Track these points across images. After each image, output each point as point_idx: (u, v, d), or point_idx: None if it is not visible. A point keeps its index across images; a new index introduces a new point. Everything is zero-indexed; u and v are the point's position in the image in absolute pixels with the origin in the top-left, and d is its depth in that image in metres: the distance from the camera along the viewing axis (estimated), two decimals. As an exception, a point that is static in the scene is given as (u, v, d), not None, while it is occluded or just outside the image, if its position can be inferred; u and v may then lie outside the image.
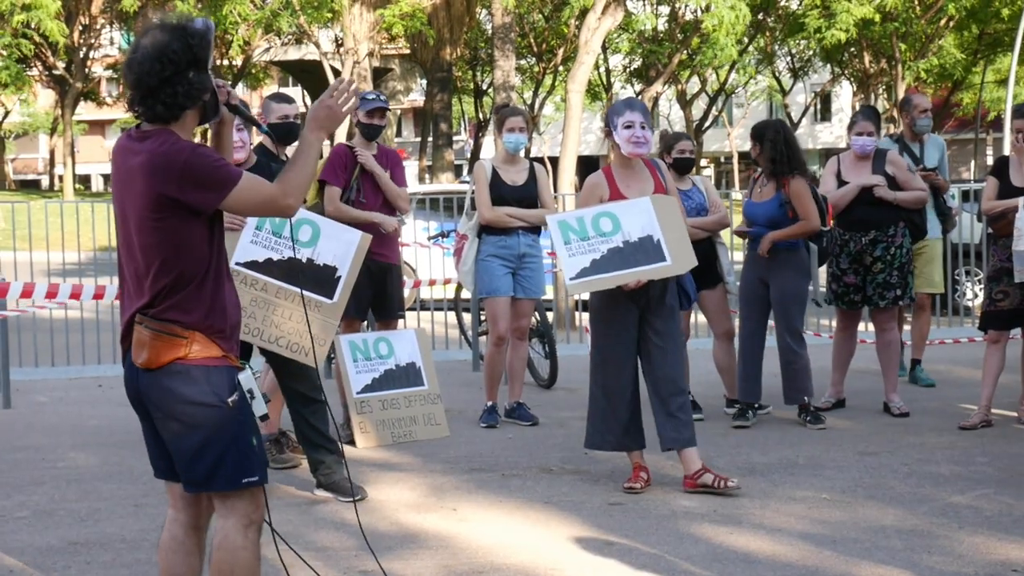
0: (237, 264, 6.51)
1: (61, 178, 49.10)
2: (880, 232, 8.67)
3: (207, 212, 3.99)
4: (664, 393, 6.79)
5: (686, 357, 8.81)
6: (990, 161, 39.78)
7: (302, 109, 46.57)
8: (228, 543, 4.11)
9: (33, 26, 32.51)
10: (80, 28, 42.90)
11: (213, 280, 4.06)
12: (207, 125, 4.26)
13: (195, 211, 3.97)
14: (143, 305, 4.02)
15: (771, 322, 8.68)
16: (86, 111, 64.46)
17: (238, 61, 40.35)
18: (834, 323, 12.13)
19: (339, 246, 6.79)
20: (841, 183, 8.75)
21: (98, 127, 76.95)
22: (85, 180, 72.37)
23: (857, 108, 11.50)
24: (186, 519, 4.29)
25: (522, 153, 8.84)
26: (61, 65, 44.12)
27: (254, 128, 4.98)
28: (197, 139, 4.16)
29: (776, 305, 8.47)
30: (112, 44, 50.61)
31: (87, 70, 46.23)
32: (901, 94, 33.35)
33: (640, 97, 37.00)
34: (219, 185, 3.94)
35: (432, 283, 12.18)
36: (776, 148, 8.28)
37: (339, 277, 6.74)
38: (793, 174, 8.28)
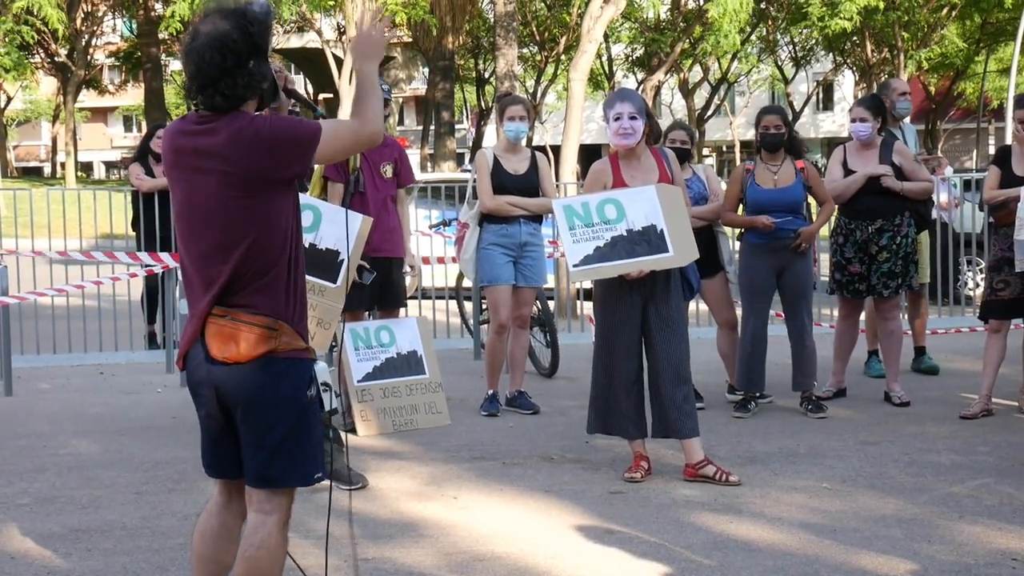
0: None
1: (63, 165, 49.09)
2: (886, 221, 8.65)
3: (303, 174, 3.97)
4: (669, 382, 6.78)
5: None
6: (992, 151, 39.74)
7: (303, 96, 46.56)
8: (271, 542, 4.02)
9: (35, 13, 32.45)
10: (82, 15, 42.86)
11: (295, 267, 3.99)
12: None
13: (288, 180, 3.93)
14: (221, 293, 3.91)
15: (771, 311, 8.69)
16: (88, 99, 64.46)
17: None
18: (833, 311, 12.12)
19: (341, 230, 6.79)
20: (848, 172, 8.74)
21: (100, 114, 76.99)
22: (87, 167, 72.43)
23: (859, 97, 11.50)
24: (237, 509, 4.20)
25: (523, 142, 8.83)
26: (63, 52, 44.09)
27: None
28: None
29: (793, 291, 8.45)
30: (114, 31, 50.58)
31: (89, 57, 46.19)
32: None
33: (642, 86, 37.00)
34: (309, 141, 3.89)
35: (439, 260, 12.19)
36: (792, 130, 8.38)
37: (341, 260, 6.74)
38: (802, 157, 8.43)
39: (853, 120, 8.76)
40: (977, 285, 14.34)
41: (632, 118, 6.78)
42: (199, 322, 3.97)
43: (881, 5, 32.16)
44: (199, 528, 4.25)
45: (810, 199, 8.58)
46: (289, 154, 3.89)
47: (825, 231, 9.14)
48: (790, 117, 8.76)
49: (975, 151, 51.59)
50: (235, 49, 3.86)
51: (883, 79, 10.52)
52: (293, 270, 3.99)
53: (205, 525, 4.24)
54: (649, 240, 6.68)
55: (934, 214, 10.32)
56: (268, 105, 4.11)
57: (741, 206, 8.53)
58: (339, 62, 31.78)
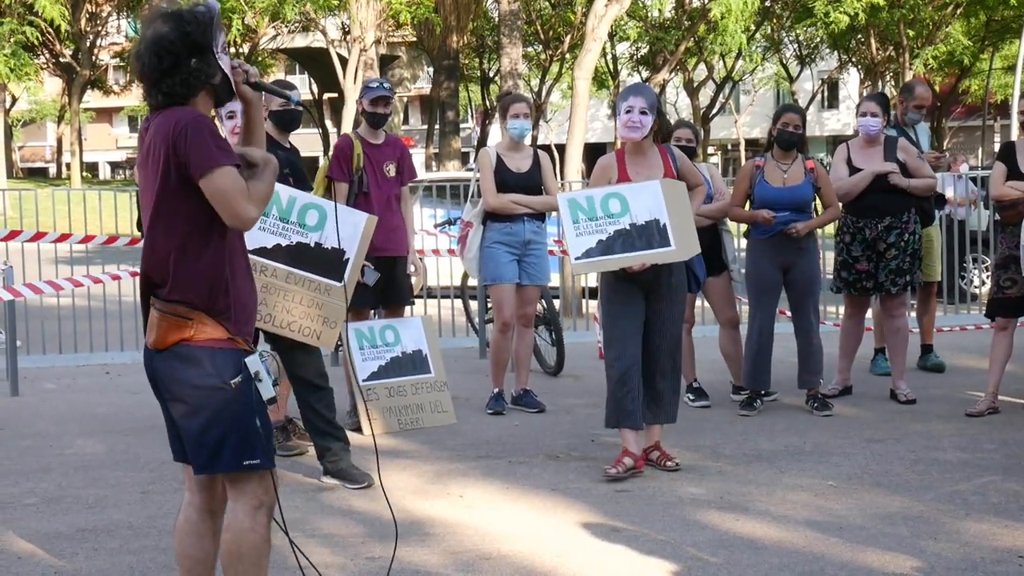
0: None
1: (68, 166, 49.19)
2: (894, 219, 8.64)
3: (192, 179, 3.94)
4: (659, 370, 6.89)
5: (692, 344, 8.85)
6: (997, 148, 39.72)
7: (307, 96, 46.54)
8: (236, 525, 4.13)
9: (40, 14, 32.49)
10: (87, 15, 42.90)
11: (219, 259, 4.05)
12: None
13: (186, 177, 3.97)
14: (156, 282, 4.05)
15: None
16: (93, 99, 64.44)
17: (244, 48, 40.36)
18: (839, 309, 12.10)
19: (346, 228, 6.80)
20: (853, 169, 8.72)
21: (105, 115, 77.02)
22: (92, 168, 72.46)
23: (864, 96, 11.42)
24: (200, 502, 4.32)
25: (527, 140, 8.83)
26: (68, 53, 44.14)
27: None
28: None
29: (802, 288, 8.44)
30: (119, 32, 50.62)
31: (94, 58, 46.23)
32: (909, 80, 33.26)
33: (647, 84, 36.97)
34: (202, 159, 3.91)
35: (435, 253, 12.20)
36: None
37: (347, 259, 6.75)
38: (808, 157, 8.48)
39: (863, 114, 8.75)
40: (983, 282, 14.33)
41: (643, 113, 6.84)
42: (144, 310, 4.15)
43: (883, 3, 32.15)
44: (175, 526, 4.41)
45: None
46: (180, 147, 3.91)
47: (830, 229, 9.13)
48: None
49: (980, 148, 51.52)
50: (172, 50, 3.97)
51: (909, 81, 10.40)
52: (221, 263, 4.06)
53: (176, 522, 4.40)
54: (652, 234, 6.72)
55: (946, 210, 10.31)
56: (225, 101, 4.18)
57: (748, 202, 8.52)
58: (343, 62, 31.77)
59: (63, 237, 10.38)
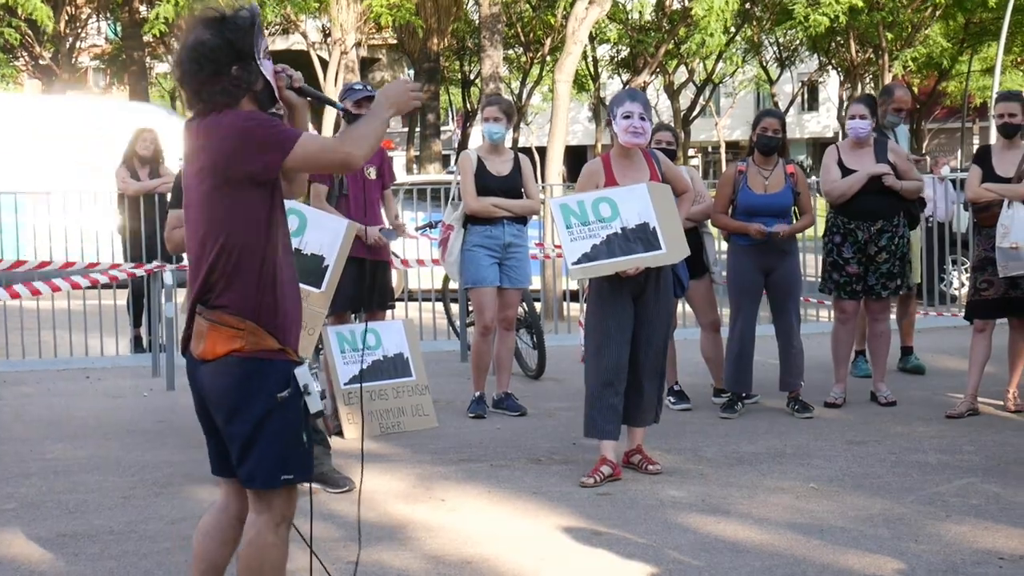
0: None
1: (48, 169, 48.87)
2: (886, 222, 8.60)
3: (271, 176, 3.93)
4: (646, 373, 6.91)
5: (673, 347, 8.86)
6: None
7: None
8: (260, 540, 4.05)
9: (21, 15, 32.34)
10: (66, 17, 42.73)
11: (271, 268, 3.98)
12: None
13: (259, 180, 3.92)
14: (201, 292, 3.97)
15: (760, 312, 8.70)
16: (73, 102, 64.20)
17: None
18: (819, 312, 12.18)
19: (326, 235, 6.78)
20: (845, 171, 8.67)
21: (85, 118, 76.66)
22: (72, 171, 72.11)
23: (844, 98, 11.40)
24: (235, 510, 4.23)
25: (508, 143, 8.82)
26: (47, 55, 43.97)
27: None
28: None
29: (783, 290, 8.46)
30: (99, 34, 50.44)
31: (74, 60, 46.05)
32: (888, 83, 33.35)
33: (627, 87, 37.02)
34: (280, 144, 3.88)
35: (420, 262, 12.18)
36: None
37: (327, 266, 6.73)
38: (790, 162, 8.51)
39: (852, 117, 8.71)
40: (962, 284, 14.37)
41: (642, 118, 6.87)
42: (189, 317, 4.06)
43: (863, 5, 32.27)
44: (200, 525, 4.31)
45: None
46: (258, 152, 3.89)
47: (811, 232, 9.14)
48: None
49: (960, 150, 51.70)
50: (212, 57, 3.92)
51: (888, 84, 10.42)
52: (271, 272, 3.99)
53: (201, 522, 4.30)
54: (643, 238, 6.78)
55: (928, 211, 10.34)
56: (267, 107, 4.10)
57: (731, 208, 8.52)
58: (324, 64, 31.73)
59: (41, 265, 10.37)
